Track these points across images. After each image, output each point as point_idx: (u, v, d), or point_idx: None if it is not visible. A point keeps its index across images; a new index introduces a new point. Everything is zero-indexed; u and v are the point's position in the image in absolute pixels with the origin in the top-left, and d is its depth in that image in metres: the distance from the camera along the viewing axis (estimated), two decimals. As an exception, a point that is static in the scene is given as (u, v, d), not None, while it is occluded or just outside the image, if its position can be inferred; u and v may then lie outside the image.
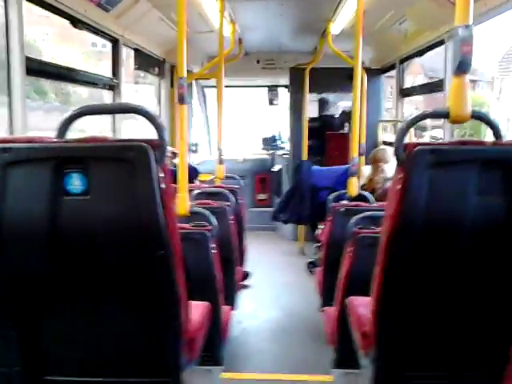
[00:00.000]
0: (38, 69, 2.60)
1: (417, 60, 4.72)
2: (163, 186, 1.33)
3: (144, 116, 1.42)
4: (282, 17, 4.46)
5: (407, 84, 5.11)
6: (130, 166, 1.30)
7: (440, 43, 3.75)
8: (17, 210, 1.32)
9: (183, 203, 2.39)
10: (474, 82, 18.13)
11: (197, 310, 1.78)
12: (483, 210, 1.37)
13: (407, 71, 5.15)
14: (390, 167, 3.88)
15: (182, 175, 2.42)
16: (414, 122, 1.51)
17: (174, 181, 2.38)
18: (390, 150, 4.60)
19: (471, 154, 1.38)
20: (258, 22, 4.68)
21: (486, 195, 1.37)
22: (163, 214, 1.33)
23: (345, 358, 2.30)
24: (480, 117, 1.53)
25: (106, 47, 4.04)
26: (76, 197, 1.32)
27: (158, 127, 1.40)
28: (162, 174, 1.33)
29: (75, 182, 1.32)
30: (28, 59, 2.35)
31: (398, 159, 1.41)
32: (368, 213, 2.41)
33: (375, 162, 3.92)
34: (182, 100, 2.46)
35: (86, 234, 1.35)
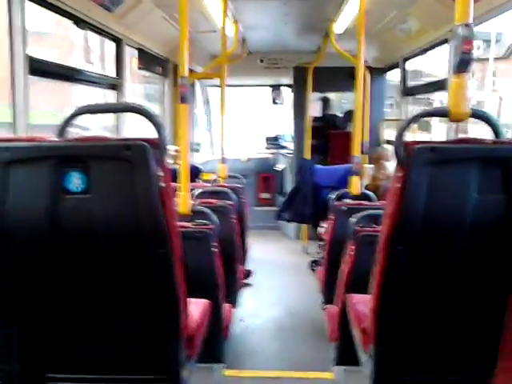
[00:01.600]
0: (41, 68, 2.62)
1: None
2: (162, 184, 1.34)
3: (143, 115, 1.43)
4: (286, 16, 4.45)
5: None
6: (129, 165, 1.30)
7: (444, 42, 3.74)
8: (18, 209, 1.33)
9: (185, 202, 2.40)
10: None
11: (197, 307, 1.79)
12: (483, 208, 1.37)
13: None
14: (393, 165, 3.89)
15: (184, 174, 2.43)
16: (414, 120, 1.51)
17: (176, 179, 2.40)
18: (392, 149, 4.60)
19: (471, 152, 1.37)
20: (261, 21, 4.67)
21: (486, 194, 1.36)
22: (163, 212, 1.34)
23: (346, 355, 2.30)
24: (479, 115, 1.53)
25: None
26: (76, 195, 1.33)
27: (158, 126, 1.40)
28: (161, 173, 1.34)
29: (75, 181, 1.33)
30: (31, 59, 2.37)
31: (397, 157, 1.41)
32: (369, 211, 2.41)
33: (377, 160, 3.94)
34: (183, 99, 2.47)
35: (86, 233, 1.36)
